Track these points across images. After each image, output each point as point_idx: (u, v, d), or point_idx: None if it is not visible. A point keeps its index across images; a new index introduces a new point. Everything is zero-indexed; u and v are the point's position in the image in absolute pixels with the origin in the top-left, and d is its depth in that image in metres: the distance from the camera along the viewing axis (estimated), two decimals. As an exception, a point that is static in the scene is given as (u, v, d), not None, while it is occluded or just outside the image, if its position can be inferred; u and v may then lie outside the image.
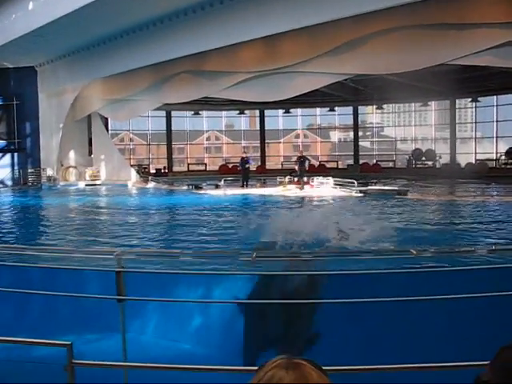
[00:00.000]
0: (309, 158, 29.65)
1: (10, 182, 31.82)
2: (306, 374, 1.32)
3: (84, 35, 24.95)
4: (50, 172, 31.48)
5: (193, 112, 39.92)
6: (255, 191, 24.92)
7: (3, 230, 14.82)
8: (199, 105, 35.80)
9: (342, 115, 42.02)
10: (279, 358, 1.38)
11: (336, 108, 40.20)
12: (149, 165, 39.76)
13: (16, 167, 32.10)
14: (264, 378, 1.32)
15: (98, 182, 31.14)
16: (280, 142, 44.07)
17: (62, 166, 32.10)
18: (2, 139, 31.95)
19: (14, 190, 29.82)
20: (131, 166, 35.06)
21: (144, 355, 6.30)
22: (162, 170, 38.24)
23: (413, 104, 38.74)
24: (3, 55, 28.06)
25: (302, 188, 25.05)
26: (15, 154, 32.18)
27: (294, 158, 28.71)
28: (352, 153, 40.92)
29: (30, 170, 31.50)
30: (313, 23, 18.72)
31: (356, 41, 19.57)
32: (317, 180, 25.77)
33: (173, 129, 40.68)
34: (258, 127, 42.89)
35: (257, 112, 41.92)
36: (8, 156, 32.24)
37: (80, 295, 6.50)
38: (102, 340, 7.55)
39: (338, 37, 20.06)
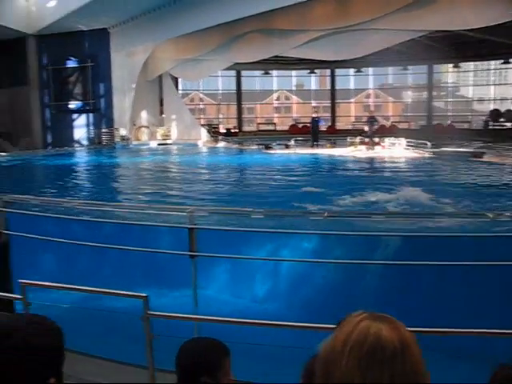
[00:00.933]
0: (378, 118, 28.81)
1: (85, 142, 32.88)
2: (398, 325, 1.23)
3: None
4: (123, 132, 32.24)
5: (263, 71, 39.71)
6: (325, 151, 24.72)
7: (81, 187, 15.42)
8: (269, 64, 35.50)
9: (415, 74, 40.71)
10: (361, 312, 1.27)
11: (409, 67, 38.91)
12: (219, 124, 40.08)
13: (91, 127, 33.10)
14: (357, 330, 1.21)
15: (169, 142, 31.70)
16: (351, 102, 43.34)
17: (135, 125, 32.82)
18: (78, 100, 32.93)
19: (90, 149, 30.82)
20: (201, 125, 35.43)
21: (212, 311, 6.45)
22: (232, 130, 38.48)
23: (492, 62, 36.94)
24: (78, 18, 28.67)
25: (372, 149, 24.60)
26: (90, 115, 33.13)
27: (365, 119, 28.09)
28: (425, 113, 39.72)
29: (104, 130, 32.36)
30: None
31: (432, -5, 18.80)
32: (388, 141, 25.23)
33: (243, 88, 40.70)
34: (328, 87, 42.25)
35: (327, 71, 41.22)
36: (83, 116, 33.27)
37: (154, 250, 6.71)
38: (174, 294, 7.80)
39: (414, -9, 19.32)
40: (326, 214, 5.96)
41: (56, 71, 32.85)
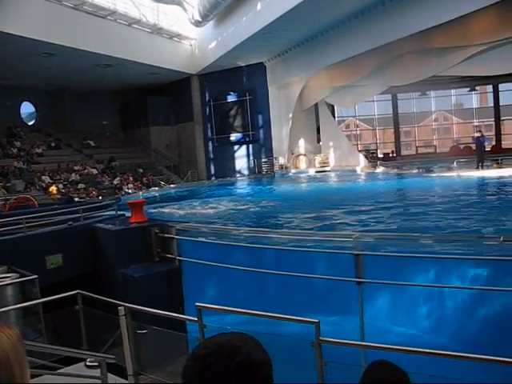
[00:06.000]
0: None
1: (246, 172, 34.23)
2: None
3: (307, 27, 25.60)
4: (281, 161, 33.10)
5: (419, 93, 38.64)
6: (492, 173, 23.22)
7: (245, 215, 15.95)
8: (426, 85, 34.41)
9: None
10: None
11: None
12: (376, 149, 39.58)
13: (251, 157, 34.41)
14: None
15: (327, 169, 31.85)
16: (518, 118, 40.51)
17: (293, 154, 33.51)
18: (238, 132, 34.42)
19: (251, 178, 32.03)
20: (359, 151, 35.18)
21: (375, 338, 6.25)
22: (390, 155, 37.82)
23: None
24: (236, 55, 30.28)
25: None
26: (250, 145, 34.47)
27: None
28: None
29: (263, 160, 33.45)
30: None
31: None
32: None
33: (399, 111, 39.88)
34: (489, 104, 39.92)
35: (488, 87, 39.00)
36: (244, 147, 34.70)
37: (320, 276, 6.72)
38: (338, 320, 7.72)
39: None
40: (501, 239, 5.57)
41: (217, 106, 34.79)
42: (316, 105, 33.55)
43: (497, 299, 7.22)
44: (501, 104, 38.78)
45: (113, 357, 5.19)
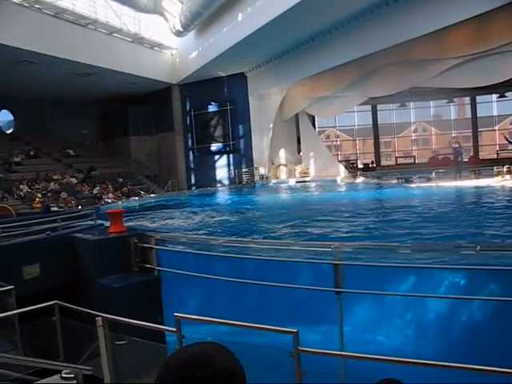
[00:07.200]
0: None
1: (226, 182, 34.20)
2: None
3: (287, 38, 25.79)
4: (262, 171, 33.15)
5: (399, 104, 39.01)
6: (470, 183, 23.47)
7: (224, 226, 15.91)
8: (405, 96, 34.77)
9: None
10: None
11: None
12: (356, 160, 39.85)
13: (232, 167, 34.40)
14: None
15: (307, 179, 31.94)
16: (494, 130, 41.08)
17: (273, 164, 33.58)
18: (219, 142, 34.42)
19: (231, 188, 32.00)
20: (339, 161, 35.37)
21: (355, 348, 6.24)
22: (370, 165, 38.08)
23: None
24: (218, 65, 30.33)
25: None
26: (230, 155, 34.48)
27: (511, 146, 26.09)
28: None
29: (244, 170, 33.47)
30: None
31: None
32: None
33: (379, 122, 40.21)
34: (467, 115, 40.47)
35: (466, 99, 39.54)
36: (224, 157, 34.70)
37: (299, 287, 6.70)
38: (316, 330, 7.70)
39: None
40: (478, 248, 5.63)
41: (198, 116, 34.76)
42: (296, 115, 33.72)
43: (475, 308, 7.27)
44: (478, 116, 39.35)
45: (89, 368, 5.11)
